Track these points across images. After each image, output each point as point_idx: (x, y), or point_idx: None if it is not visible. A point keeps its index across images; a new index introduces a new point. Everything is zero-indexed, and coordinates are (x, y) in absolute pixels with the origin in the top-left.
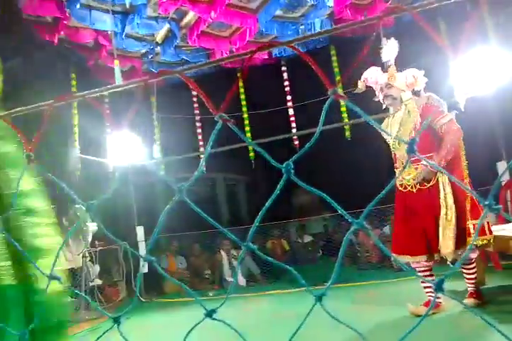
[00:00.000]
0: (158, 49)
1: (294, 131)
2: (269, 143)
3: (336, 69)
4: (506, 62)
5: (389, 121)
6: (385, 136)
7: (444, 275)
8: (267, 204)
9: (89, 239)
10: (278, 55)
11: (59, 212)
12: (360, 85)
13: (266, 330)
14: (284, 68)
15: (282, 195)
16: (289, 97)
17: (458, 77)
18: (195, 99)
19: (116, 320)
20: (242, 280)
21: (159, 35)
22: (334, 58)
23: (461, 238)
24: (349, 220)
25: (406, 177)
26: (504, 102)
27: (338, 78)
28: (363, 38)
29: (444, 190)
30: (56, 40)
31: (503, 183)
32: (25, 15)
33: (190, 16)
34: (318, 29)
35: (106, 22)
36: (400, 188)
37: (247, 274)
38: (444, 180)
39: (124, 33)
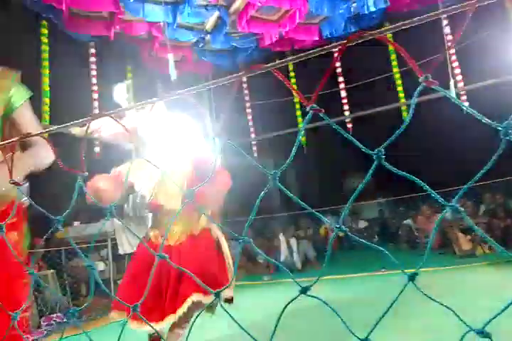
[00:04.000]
0: (208, 37)
1: (346, 113)
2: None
3: (391, 47)
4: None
5: None
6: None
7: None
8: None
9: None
10: (329, 36)
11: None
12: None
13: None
14: (334, 49)
15: (336, 181)
16: (340, 79)
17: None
18: (244, 86)
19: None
20: (298, 265)
21: (209, 23)
22: (389, 35)
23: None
24: (441, 203)
25: None
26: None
27: (393, 56)
28: (419, 12)
29: None
30: (112, 35)
31: None
32: (80, 11)
33: (239, 2)
34: (371, 6)
35: (158, 13)
36: None
37: (303, 258)
38: None
39: (176, 24)
